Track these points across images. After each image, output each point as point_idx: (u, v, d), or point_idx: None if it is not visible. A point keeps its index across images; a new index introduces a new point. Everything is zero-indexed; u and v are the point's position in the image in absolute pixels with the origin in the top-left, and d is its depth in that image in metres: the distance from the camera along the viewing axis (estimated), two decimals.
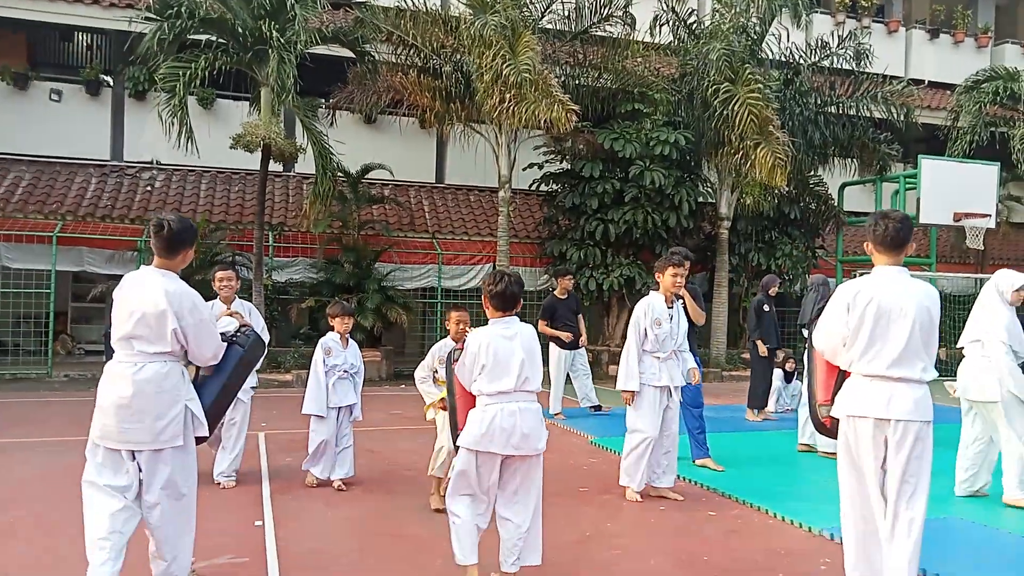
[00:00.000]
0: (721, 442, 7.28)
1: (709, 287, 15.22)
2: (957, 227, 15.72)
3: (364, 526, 5.09)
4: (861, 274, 14.47)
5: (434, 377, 5.26)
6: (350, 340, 6.22)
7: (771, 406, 9.73)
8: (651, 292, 5.87)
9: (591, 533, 4.98)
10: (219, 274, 6.00)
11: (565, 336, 9.32)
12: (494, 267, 14.63)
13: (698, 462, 6.73)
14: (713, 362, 14.69)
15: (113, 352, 3.66)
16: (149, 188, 15.40)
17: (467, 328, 4.92)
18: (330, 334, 6.12)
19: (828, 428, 3.85)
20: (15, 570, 4.12)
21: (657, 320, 5.63)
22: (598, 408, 9.69)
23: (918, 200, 14.77)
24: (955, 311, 16.80)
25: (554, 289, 9.92)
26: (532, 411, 3.85)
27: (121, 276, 3.79)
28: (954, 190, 14.91)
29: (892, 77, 16.90)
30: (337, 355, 6.02)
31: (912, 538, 3.45)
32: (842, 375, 3.75)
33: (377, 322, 13.36)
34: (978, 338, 5.60)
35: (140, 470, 3.56)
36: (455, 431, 4.02)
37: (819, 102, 15.57)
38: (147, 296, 3.55)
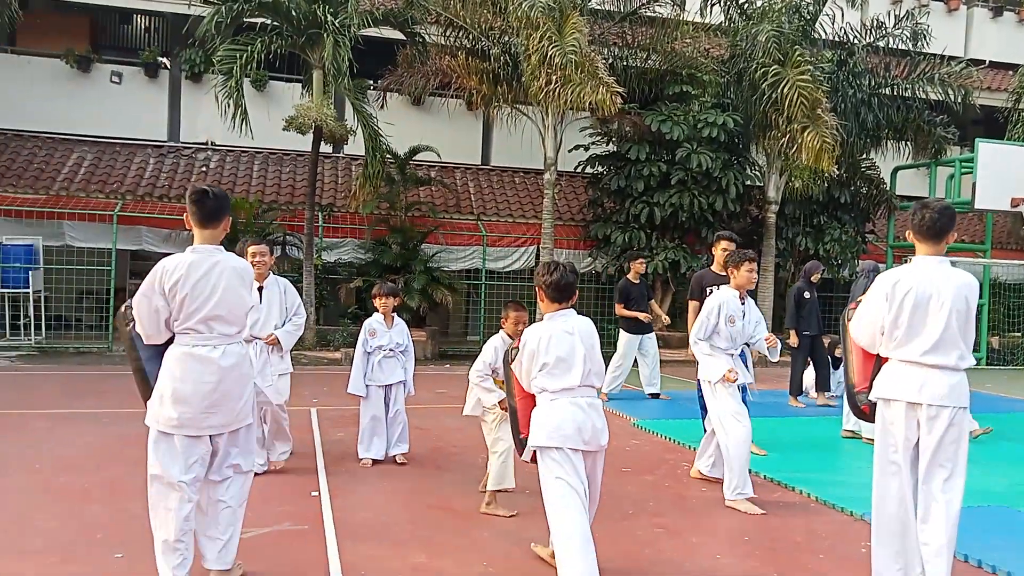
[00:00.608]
0: (765, 427, 7.30)
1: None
2: (1014, 213, 15.29)
3: (415, 499, 5.28)
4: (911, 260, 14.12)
5: (492, 377, 4.90)
6: (396, 319, 6.26)
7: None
8: (722, 287, 5.77)
9: (633, 512, 5.09)
10: (252, 249, 5.62)
11: (645, 317, 9.37)
12: (538, 249, 14.71)
13: None
14: (757, 347, 14.59)
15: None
16: (204, 168, 15.84)
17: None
18: (375, 315, 6.22)
19: (867, 414, 3.90)
20: (98, 527, 4.42)
21: (731, 317, 5.52)
22: (656, 396, 9.63)
23: (974, 184, 14.40)
24: (1010, 299, 16.41)
25: (627, 272, 9.88)
26: (597, 406, 3.73)
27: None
28: (1012, 174, 14.49)
29: (951, 58, 16.39)
30: (381, 335, 6.11)
31: (951, 520, 3.48)
32: (879, 362, 3.79)
33: (423, 302, 13.59)
34: None
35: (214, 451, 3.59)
36: (517, 435, 3.90)
37: (873, 84, 15.21)
38: (223, 275, 3.50)
